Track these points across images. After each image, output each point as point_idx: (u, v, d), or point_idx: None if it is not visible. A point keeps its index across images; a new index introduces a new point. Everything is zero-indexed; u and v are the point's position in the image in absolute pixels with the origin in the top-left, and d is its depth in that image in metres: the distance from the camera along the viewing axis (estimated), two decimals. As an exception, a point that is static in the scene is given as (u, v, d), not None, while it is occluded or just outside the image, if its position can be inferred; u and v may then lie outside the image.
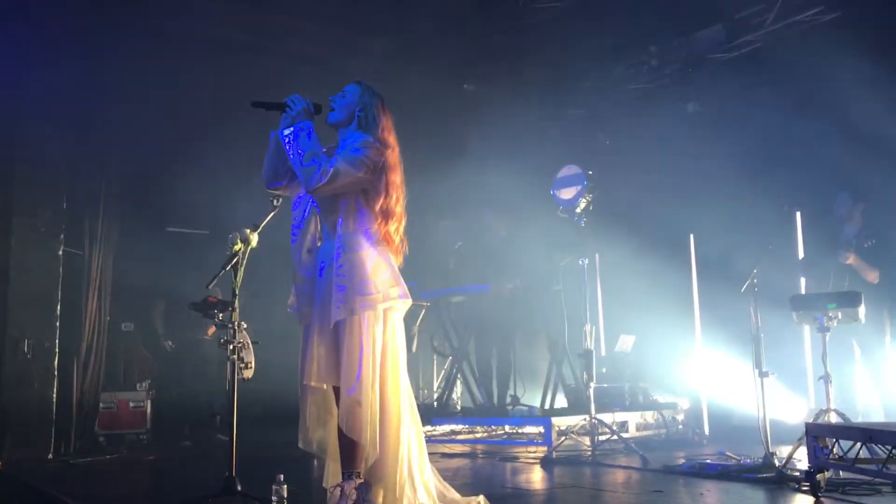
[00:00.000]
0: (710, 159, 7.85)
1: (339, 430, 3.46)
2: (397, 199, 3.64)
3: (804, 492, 4.53)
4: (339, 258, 3.49)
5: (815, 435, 4.46)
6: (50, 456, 7.27)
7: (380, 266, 3.54)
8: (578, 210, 6.86)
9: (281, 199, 4.55)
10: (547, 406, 8.10)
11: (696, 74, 8.21)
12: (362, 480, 3.44)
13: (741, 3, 7.55)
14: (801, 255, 7.70)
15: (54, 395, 7.47)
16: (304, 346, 3.60)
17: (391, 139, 3.67)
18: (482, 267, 8.34)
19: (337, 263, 3.49)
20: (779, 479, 4.87)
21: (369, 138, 3.57)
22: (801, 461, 5.16)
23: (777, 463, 5.14)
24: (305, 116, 3.56)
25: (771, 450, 5.25)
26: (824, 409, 5.35)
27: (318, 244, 3.68)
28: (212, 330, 8.80)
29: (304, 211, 3.70)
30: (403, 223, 3.68)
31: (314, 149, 3.47)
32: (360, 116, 3.65)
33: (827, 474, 4.45)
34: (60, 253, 7.69)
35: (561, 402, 8.25)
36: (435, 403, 8.90)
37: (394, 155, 3.65)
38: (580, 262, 6.78)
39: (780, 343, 6.93)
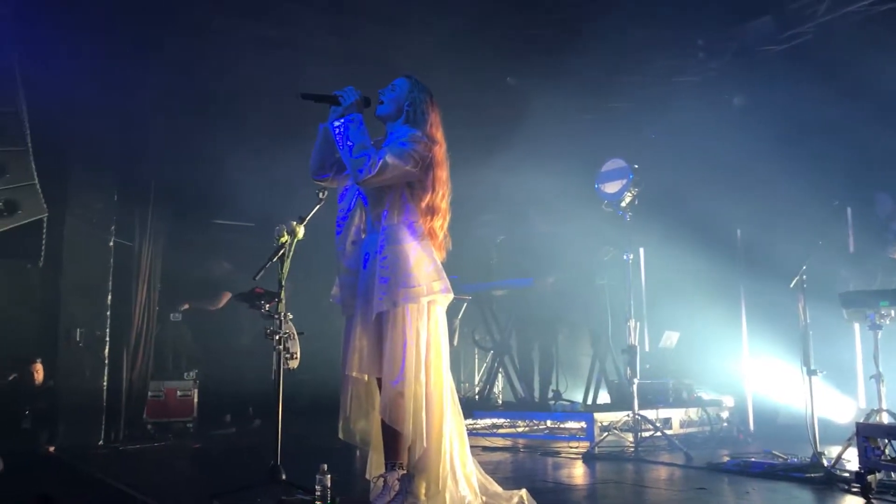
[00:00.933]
0: (758, 153, 7.72)
1: (382, 421, 3.48)
2: (443, 196, 3.65)
3: (854, 493, 4.44)
4: (382, 250, 3.52)
5: (866, 435, 4.37)
6: (100, 442, 7.46)
7: (423, 259, 3.55)
8: (623, 204, 6.80)
9: (326, 192, 4.59)
10: (589, 401, 8.06)
11: (744, 67, 8.08)
12: (405, 472, 3.47)
13: (792, -6, 7.40)
14: (851, 250, 7.54)
15: (105, 383, 7.66)
16: (346, 337, 3.63)
17: (439, 135, 3.68)
18: (524, 261, 8.32)
19: (381, 255, 3.51)
20: (827, 480, 4.78)
21: (417, 133, 3.59)
22: (851, 462, 5.06)
23: (825, 463, 5.05)
24: (356, 108, 3.59)
25: (819, 449, 5.15)
26: (876, 408, 5.24)
27: (363, 236, 3.70)
28: (225, 297, 9.04)
29: (350, 203, 3.73)
30: (448, 219, 3.70)
31: (363, 141, 3.49)
32: (408, 111, 3.66)
33: (878, 476, 4.36)
34: (111, 244, 7.87)
35: (604, 397, 8.21)
36: (476, 397, 8.92)
37: (441, 151, 3.66)
38: (625, 257, 6.73)
39: (828, 341, 6.79)
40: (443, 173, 3.65)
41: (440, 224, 3.65)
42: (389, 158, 3.46)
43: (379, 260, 3.51)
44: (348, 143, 3.49)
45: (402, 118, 3.68)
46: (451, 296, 3.64)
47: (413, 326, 3.47)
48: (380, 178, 3.46)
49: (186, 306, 9.17)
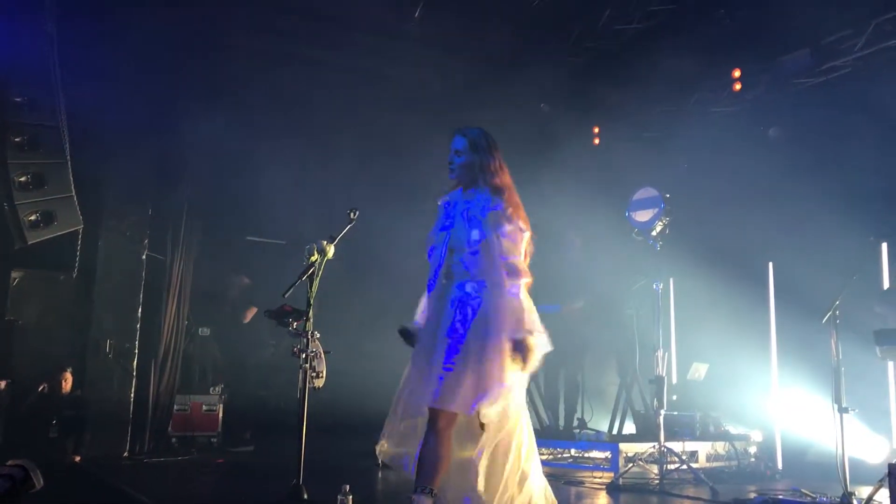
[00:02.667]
0: (792, 185, 7.64)
1: (424, 446, 3.49)
2: (524, 226, 3.78)
3: (884, 535, 4.35)
4: (475, 297, 3.61)
5: (899, 476, 4.28)
6: (125, 454, 7.51)
7: (510, 307, 3.63)
8: (654, 233, 6.77)
9: (357, 213, 4.64)
10: (615, 431, 7.97)
11: (779, 99, 8.03)
12: (434, 499, 3.46)
13: (830, 27, 7.36)
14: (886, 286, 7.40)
15: (132, 395, 7.73)
16: (428, 372, 3.61)
17: (508, 179, 3.78)
18: (552, 287, 8.28)
19: (473, 302, 3.60)
20: (857, 521, 4.69)
21: (500, 208, 3.65)
22: None
23: (855, 503, 4.94)
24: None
25: (849, 489, 5.05)
26: (909, 449, 5.13)
27: (444, 281, 3.72)
28: (251, 313, 9.10)
29: (441, 256, 3.75)
30: (530, 246, 3.81)
31: (483, 270, 3.61)
32: (482, 176, 3.74)
33: (910, 518, 4.26)
34: (144, 257, 7.97)
35: (629, 428, 8.11)
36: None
37: (515, 195, 3.76)
38: (654, 286, 6.67)
39: (861, 378, 6.66)
40: (521, 211, 3.77)
41: (522, 258, 3.78)
42: (512, 258, 3.63)
43: (470, 306, 3.60)
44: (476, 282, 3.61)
45: (476, 183, 3.75)
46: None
47: (505, 366, 3.52)
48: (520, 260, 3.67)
49: (255, 311, 9.29)
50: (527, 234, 3.75)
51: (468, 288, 3.63)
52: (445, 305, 3.65)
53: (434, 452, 3.48)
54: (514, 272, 3.65)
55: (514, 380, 3.56)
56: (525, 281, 3.70)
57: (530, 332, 3.58)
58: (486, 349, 3.50)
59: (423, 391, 3.55)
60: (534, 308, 3.71)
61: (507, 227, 3.66)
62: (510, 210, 3.68)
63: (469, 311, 3.59)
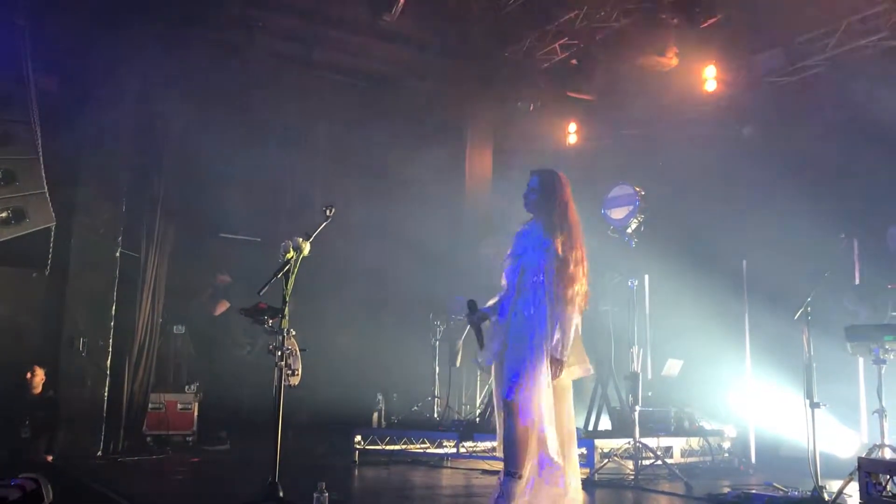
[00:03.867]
0: (766, 183, 7.72)
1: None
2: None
3: (854, 528, 4.40)
4: (532, 313, 4.04)
5: (868, 470, 4.34)
6: (99, 453, 7.44)
7: (561, 328, 4.06)
8: (629, 230, 6.81)
9: (333, 210, 4.62)
10: (590, 427, 8.01)
11: (753, 98, 8.11)
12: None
13: (803, 27, 7.44)
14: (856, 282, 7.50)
15: (106, 394, 7.65)
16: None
17: (574, 215, 4.23)
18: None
19: (532, 318, 4.04)
20: (827, 514, 4.74)
21: (563, 243, 4.09)
22: (853, 497, 5.01)
23: (827, 497, 5.00)
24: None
25: (820, 483, 5.11)
26: (878, 443, 5.20)
27: (517, 295, 4.12)
28: (222, 307, 9.04)
29: (514, 275, 4.14)
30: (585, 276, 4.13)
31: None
32: (548, 213, 4.19)
33: (879, 511, 4.32)
34: (118, 255, 7.89)
35: (605, 423, 8.15)
36: (477, 419, 8.86)
37: (577, 228, 4.19)
38: (629, 283, 6.71)
39: (832, 374, 6.74)
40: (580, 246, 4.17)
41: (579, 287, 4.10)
42: (566, 288, 3.99)
43: (532, 320, 4.06)
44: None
45: (544, 219, 4.20)
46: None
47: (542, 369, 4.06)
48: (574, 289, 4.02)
49: (227, 305, 9.22)
50: (584, 266, 4.11)
51: (531, 305, 4.04)
52: (516, 318, 4.09)
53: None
54: (565, 299, 4.02)
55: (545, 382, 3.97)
56: (577, 307, 4.05)
57: (565, 358, 4.01)
58: (533, 354, 3.96)
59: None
60: (575, 333, 4.08)
61: (566, 263, 4.03)
62: (569, 245, 4.09)
63: (531, 324, 4.02)
